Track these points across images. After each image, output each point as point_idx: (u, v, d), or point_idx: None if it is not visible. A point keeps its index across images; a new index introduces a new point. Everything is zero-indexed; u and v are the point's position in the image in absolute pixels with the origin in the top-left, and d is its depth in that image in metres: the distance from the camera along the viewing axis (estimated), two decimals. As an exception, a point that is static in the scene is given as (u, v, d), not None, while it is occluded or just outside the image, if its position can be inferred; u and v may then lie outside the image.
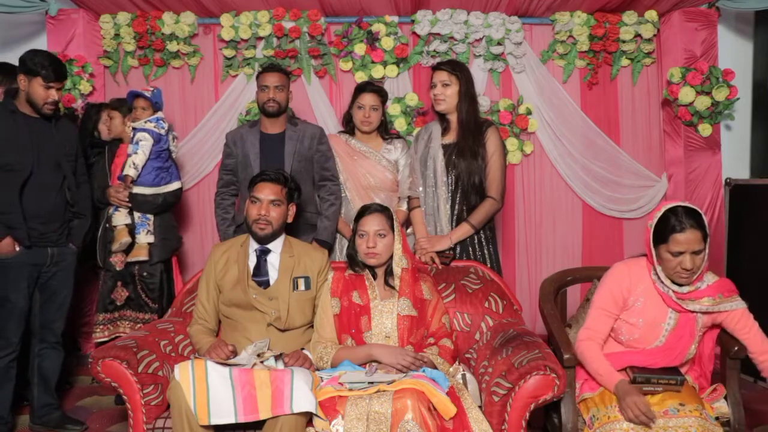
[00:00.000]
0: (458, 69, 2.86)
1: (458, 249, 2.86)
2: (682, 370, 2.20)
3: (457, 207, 2.87)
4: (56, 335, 2.89)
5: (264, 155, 3.05)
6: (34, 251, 2.75)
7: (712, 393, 2.20)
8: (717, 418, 2.10)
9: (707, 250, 2.14)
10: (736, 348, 2.21)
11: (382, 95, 3.15)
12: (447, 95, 2.85)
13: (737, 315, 2.20)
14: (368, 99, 3.10)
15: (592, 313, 2.25)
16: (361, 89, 3.14)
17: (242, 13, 3.76)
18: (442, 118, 2.93)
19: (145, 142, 3.11)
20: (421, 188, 2.94)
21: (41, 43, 3.80)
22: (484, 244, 2.89)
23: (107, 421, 3.00)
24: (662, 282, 2.16)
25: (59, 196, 2.82)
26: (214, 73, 3.89)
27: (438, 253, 2.79)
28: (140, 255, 3.11)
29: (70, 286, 2.92)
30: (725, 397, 2.19)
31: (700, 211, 2.13)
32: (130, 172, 3.07)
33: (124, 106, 3.22)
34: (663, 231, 2.11)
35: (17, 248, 2.70)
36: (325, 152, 3.10)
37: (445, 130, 2.93)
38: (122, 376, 2.16)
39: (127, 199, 3.08)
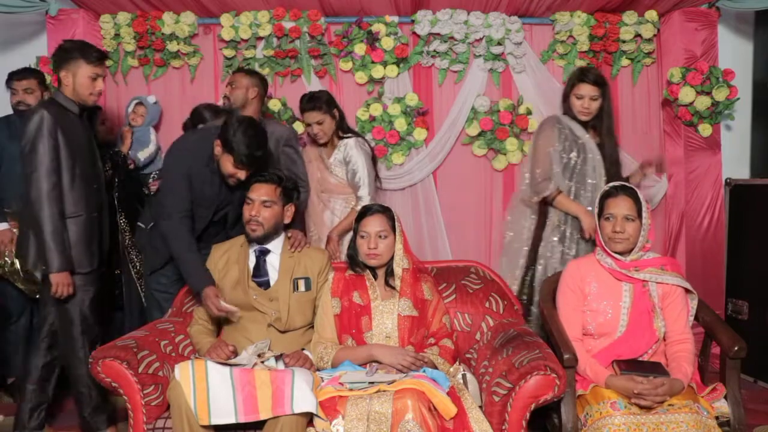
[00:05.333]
0: (605, 83, 3.00)
1: None
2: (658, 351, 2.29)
3: None
4: None
5: None
6: None
7: (711, 392, 2.21)
8: (717, 418, 2.11)
9: (645, 228, 2.31)
10: (736, 348, 2.21)
11: (321, 107, 3.09)
12: (594, 109, 2.98)
13: (673, 294, 2.32)
14: (310, 117, 3.10)
15: (561, 314, 2.38)
16: (302, 109, 3.16)
17: (242, 13, 3.75)
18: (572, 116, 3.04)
19: None
20: (568, 181, 2.99)
21: (41, 43, 3.80)
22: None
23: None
24: (603, 255, 2.36)
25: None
26: (214, 73, 3.89)
27: None
28: None
29: None
30: (725, 397, 2.20)
31: (635, 188, 2.38)
32: None
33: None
34: (602, 202, 2.38)
35: None
36: (290, 155, 3.02)
37: (586, 129, 3.03)
38: (122, 376, 2.16)
39: None
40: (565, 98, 3.05)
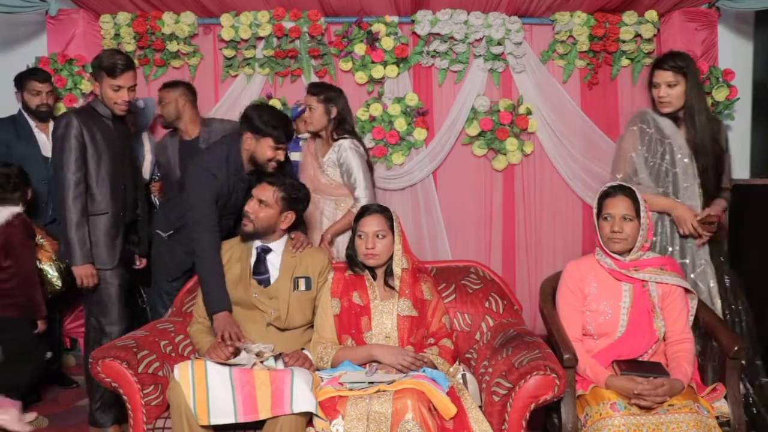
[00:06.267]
0: (684, 66, 2.62)
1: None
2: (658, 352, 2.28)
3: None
4: None
5: (182, 161, 3.22)
6: None
7: (711, 393, 2.21)
8: (717, 418, 2.11)
9: (644, 227, 2.29)
10: (736, 348, 2.21)
11: (319, 94, 3.03)
12: (674, 96, 2.63)
13: (673, 294, 2.31)
14: (306, 99, 3.07)
15: (561, 314, 2.36)
16: (306, 90, 3.13)
17: (242, 13, 3.75)
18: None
19: None
20: (658, 188, 2.68)
21: (41, 43, 3.80)
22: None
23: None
24: (602, 255, 2.35)
25: None
26: (214, 73, 3.89)
27: (703, 221, 2.57)
28: None
29: None
30: (725, 397, 2.20)
31: (634, 187, 2.34)
32: None
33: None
34: (600, 202, 2.36)
35: None
36: None
37: (676, 122, 2.69)
38: (122, 376, 2.16)
39: None
40: (649, 90, 2.71)
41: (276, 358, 2.19)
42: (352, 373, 2.15)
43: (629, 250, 2.32)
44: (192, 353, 2.40)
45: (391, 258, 2.39)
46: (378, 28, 3.75)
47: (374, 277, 2.41)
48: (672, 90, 2.62)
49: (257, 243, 2.49)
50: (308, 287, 2.44)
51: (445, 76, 3.87)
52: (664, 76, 2.63)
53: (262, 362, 2.13)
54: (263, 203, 2.41)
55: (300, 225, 2.64)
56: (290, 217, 2.48)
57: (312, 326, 2.45)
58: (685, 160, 2.64)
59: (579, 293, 2.36)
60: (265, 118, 2.53)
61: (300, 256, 2.48)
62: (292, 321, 2.39)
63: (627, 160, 2.73)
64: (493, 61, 3.82)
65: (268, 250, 2.47)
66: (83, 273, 2.69)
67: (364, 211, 2.42)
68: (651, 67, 2.72)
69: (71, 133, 2.66)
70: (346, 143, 3.01)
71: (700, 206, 2.63)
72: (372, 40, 3.76)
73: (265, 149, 2.55)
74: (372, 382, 2.06)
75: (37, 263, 3.06)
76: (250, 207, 2.41)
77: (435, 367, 2.20)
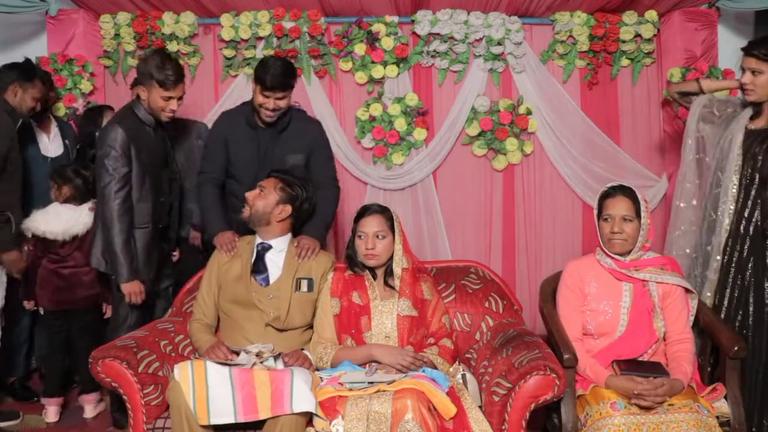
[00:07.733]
0: None
1: None
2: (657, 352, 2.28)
3: (750, 202, 2.51)
4: None
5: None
6: None
7: (711, 392, 2.21)
8: (717, 418, 2.11)
9: (644, 228, 2.29)
10: (736, 348, 2.21)
11: None
12: (757, 85, 2.48)
13: (673, 294, 2.31)
14: None
15: (561, 314, 2.37)
16: None
17: (242, 13, 3.75)
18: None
19: None
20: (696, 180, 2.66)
21: (41, 43, 3.80)
22: None
23: (107, 421, 3.00)
24: (603, 255, 2.35)
25: None
26: (214, 73, 3.89)
27: None
28: None
29: None
30: (725, 397, 2.20)
31: (634, 188, 2.33)
32: None
33: None
34: (600, 203, 2.36)
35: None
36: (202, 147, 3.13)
37: (756, 114, 2.56)
38: (122, 376, 2.16)
39: None
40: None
41: (276, 358, 2.19)
42: (351, 373, 2.15)
43: (629, 251, 2.32)
44: (192, 353, 2.40)
45: (391, 258, 2.39)
46: (378, 28, 3.75)
47: (374, 277, 2.41)
48: (756, 78, 2.49)
49: (258, 240, 2.49)
50: (310, 289, 2.43)
51: (445, 76, 3.87)
52: (748, 62, 2.50)
53: (261, 362, 2.13)
54: (263, 191, 2.45)
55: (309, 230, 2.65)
56: (286, 210, 2.48)
57: (311, 327, 2.45)
58: (735, 154, 2.52)
59: (579, 293, 2.36)
60: (266, 66, 2.69)
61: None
62: (292, 321, 2.39)
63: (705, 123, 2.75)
64: (493, 61, 3.82)
65: (267, 248, 2.47)
66: (131, 290, 2.66)
67: (364, 212, 2.42)
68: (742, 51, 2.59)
69: (117, 147, 2.60)
70: None
71: (730, 196, 2.53)
72: (372, 40, 3.76)
73: (257, 95, 2.72)
74: (372, 382, 2.06)
75: None
76: (250, 193, 2.46)
77: (435, 367, 2.20)
